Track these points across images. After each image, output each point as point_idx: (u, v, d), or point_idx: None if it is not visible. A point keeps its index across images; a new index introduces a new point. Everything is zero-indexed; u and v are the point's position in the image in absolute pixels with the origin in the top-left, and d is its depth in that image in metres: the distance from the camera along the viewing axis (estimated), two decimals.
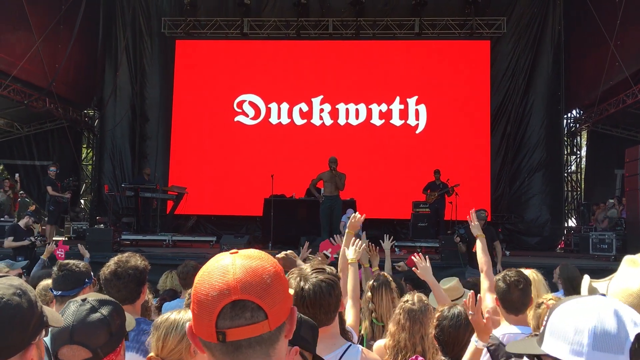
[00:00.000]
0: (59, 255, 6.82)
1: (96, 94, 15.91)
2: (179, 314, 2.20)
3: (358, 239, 3.26)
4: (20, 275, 4.16)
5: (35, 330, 1.15)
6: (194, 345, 1.05)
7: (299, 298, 2.00)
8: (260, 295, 0.98)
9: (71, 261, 3.13)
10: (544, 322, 1.22)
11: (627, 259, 1.54)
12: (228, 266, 1.01)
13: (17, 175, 14.44)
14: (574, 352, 1.12)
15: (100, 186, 15.19)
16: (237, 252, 1.05)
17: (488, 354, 2.49)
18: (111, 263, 2.80)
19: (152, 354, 2.11)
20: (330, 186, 10.64)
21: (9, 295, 1.12)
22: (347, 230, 3.37)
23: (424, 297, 2.96)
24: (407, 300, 2.86)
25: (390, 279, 3.57)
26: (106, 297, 1.76)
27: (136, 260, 2.79)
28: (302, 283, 2.07)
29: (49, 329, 1.29)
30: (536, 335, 1.28)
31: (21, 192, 14.88)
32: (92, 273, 3.16)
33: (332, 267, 2.23)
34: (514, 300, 2.99)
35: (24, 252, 8.93)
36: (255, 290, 0.98)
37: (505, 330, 2.93)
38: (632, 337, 1.10)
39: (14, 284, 1.16)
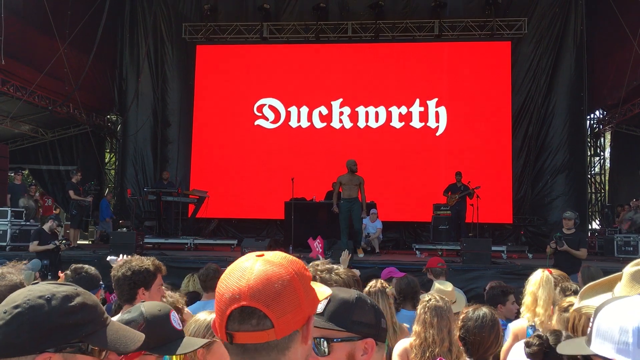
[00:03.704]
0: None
1: (118, 99, 16.13)
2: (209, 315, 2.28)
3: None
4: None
5: (55, 340, 1.11)
6: (217, 336, 1.06)
7: None
8: (268, 304, 0.98)
9: (85, 265, 3.18)
10: (591, 323, 1.28)
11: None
12: (246, 270, 1.02)
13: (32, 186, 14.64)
14: (620, 351, 1.17)
15: (123, 190, 15.40)
16: (262, 256, 1.05)
17: None
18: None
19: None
20: (348, 189, 10.59)
21: (34, 299, 1.11)
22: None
23: (447, 290, 3.00)
24: (430, 299, 2.88)
25: (387, 285, 3.58)
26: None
27: (141, 262, 2.83)
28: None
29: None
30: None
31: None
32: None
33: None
34: None
35: (49, 255, 9.06)
36: (263, 298, 0.99)
37: None
38: None
39: (50, 289, 1.14)
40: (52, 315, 1.11)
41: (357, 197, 10.55)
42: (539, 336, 2.16)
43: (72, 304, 1.14)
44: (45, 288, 1.15)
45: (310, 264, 2.06)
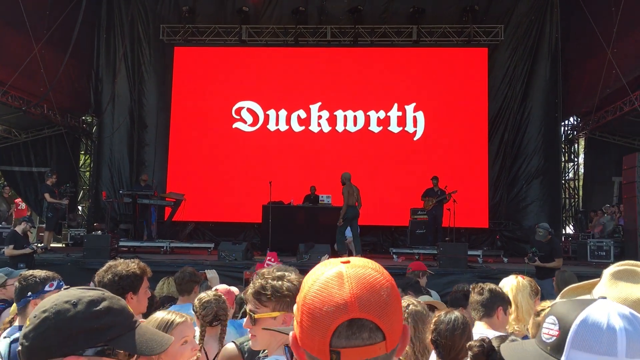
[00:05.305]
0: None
1: (94, 100, 15.91)
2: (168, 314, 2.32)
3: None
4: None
5: (80, 343, 1.15)
6: (297, 355, 0.96)
7: None
8: (380, 315, 0.90)
9: (31, 272, 3.00)
10: (553, 330, 1.15)
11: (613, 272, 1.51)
12: (341, 278, 0.92)
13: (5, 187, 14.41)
14: None
15: (98, 193, 15.18)
16: (348, 262, 0.96)
17: None
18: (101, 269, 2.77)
19: None
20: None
21: (61, 304, 1.16)
22: None
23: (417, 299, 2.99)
24: (409, 305, 2.86)
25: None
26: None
27: (127, 266, 2.74)
28: None
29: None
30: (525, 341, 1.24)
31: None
32: (52, 282, 2.95)
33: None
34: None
35: (24, 259, 8.87)
36: (375, 308, 0.90)
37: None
38: None
39: (77, 294, 1.19)
40: (77, 319, 1.16)
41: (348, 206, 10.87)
42: (481, 339, 2.15)
43: (98, 308, 1.19)
44: (72, 293, 1.21)
45: (260, 272, 2.02)
